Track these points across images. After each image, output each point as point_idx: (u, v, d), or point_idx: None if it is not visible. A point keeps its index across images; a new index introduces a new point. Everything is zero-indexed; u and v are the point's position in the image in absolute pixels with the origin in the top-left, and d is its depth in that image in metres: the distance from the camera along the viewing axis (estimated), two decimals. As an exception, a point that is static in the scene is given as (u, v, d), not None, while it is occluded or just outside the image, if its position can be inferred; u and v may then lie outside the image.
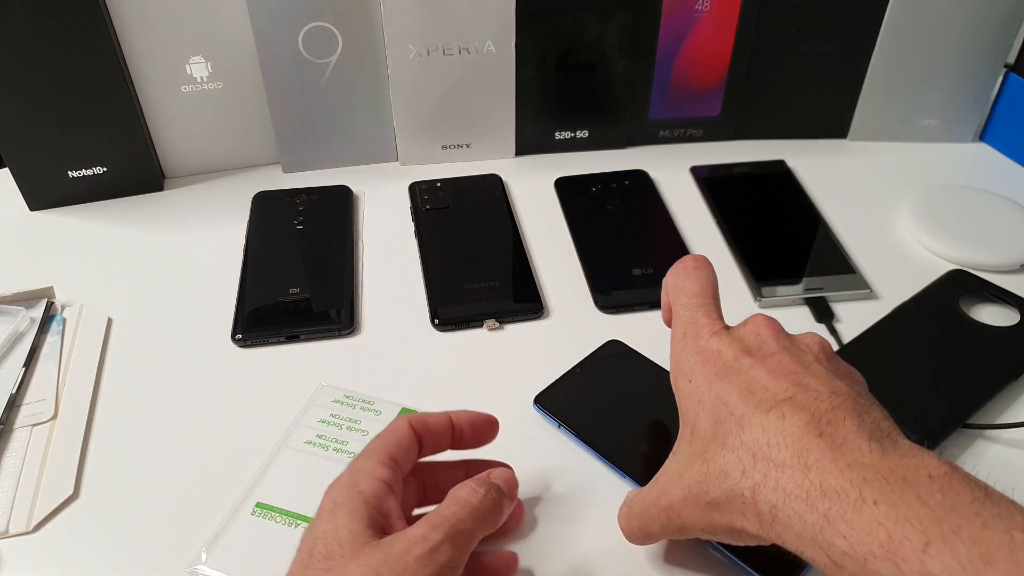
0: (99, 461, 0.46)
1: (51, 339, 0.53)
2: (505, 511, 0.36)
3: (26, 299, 0.55)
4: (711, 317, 0.37)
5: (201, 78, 0.64)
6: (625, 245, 0.61)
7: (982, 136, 0.74)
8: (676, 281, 0.39)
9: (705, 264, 0.39)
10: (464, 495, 0.34)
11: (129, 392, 0.50)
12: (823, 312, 0.55)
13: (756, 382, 0.32)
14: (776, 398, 0.31)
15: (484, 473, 0.38)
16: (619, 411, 0.47)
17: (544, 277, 0.58)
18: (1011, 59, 0.69)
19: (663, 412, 0.46)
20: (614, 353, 0.51)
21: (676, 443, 0.36)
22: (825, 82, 0.71)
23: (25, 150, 0.61)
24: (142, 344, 0.53)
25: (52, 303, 0.55)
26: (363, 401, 0.48)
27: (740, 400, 0.32)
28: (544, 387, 0.48)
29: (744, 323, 0.37)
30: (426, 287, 0.57)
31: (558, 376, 0.49)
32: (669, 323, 0.40)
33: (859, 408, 0.30)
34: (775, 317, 0.55)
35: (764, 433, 0.30)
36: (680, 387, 0.36)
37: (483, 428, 0.40)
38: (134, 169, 0.65)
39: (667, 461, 0.36)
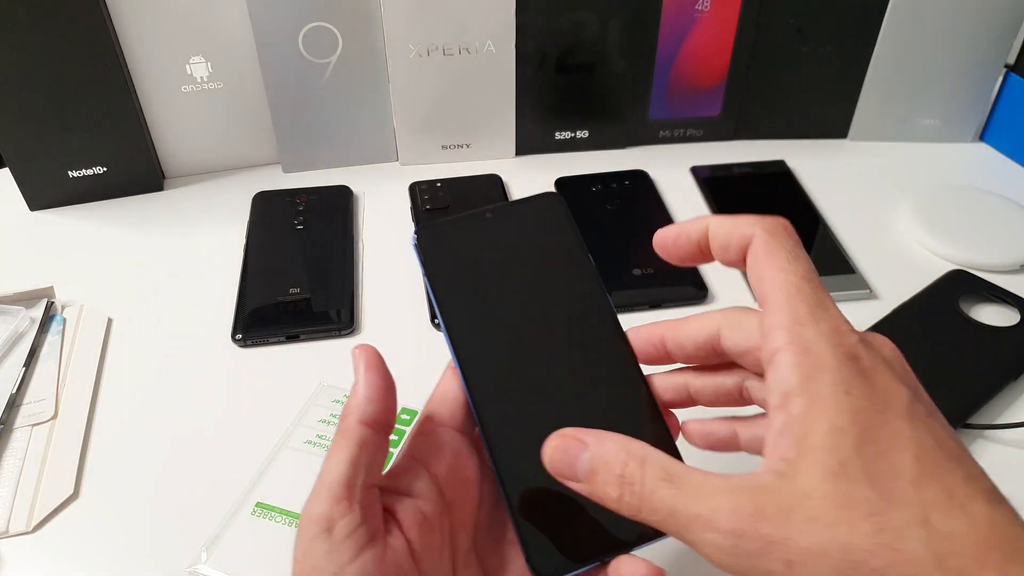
0: (99, 461, 0.46)
1: (51, 339, 0.53)
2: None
3: (26, 299, 0.55)
4: (836, 307, 0.27)
5: (201, 78, 0.64)
6: (625, 245, 0.61)
7: (982, 136, 0.74)
8: (782, 234, 0.29)
9: None
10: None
11: (129, 392, 0.50)
12: (823, 312, 0.55)
13: (942, 447, 0.24)
14: (977, 486, 0.24)
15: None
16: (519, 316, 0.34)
17: (544, 277, 0.58)
18: (1011, 59, 0.69)
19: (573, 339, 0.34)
20: (546, 212, 0.37)
21: (793, 462, 0.25)
22: (825, 82, 0.71)
23: (25, 150, 0.61)
24: (142, 344, 0.53)
25: (52, 303, 0.55)
26: (363, 401, 0.48)
27: (938, 470, 0.24)
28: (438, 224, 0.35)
29: (877, 340, 0.28)
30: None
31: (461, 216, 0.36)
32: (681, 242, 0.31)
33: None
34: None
35: (973, 528, 0.22)
36: (822, 393, 0.25)
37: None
38: (134, 169, 0.65)
39: (770, 477, 0.25)
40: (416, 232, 0.34)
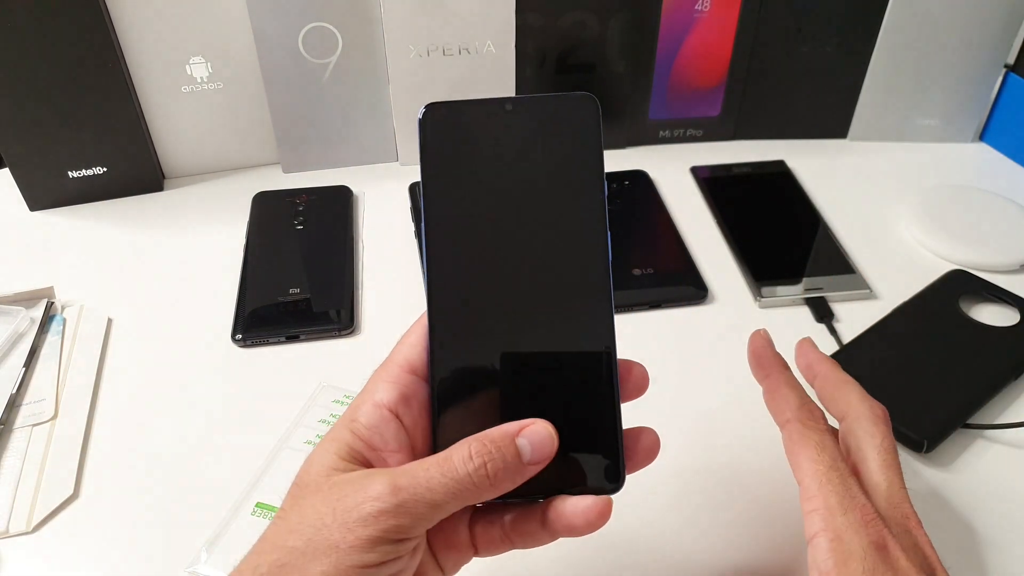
0: (99, 461, 0.46)
1: (51, 339, 0.53)
2: (505, 482, 0.29)
3: (26, 299, 0.55)
4: (862, 495, 0.33)
5: (201, 78, 0.64)
6: (625, 245, 0.61)
7: (982, 136, 0.74)
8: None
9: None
10: (454, 459, 0.29)
11: (129, 392, 0.50)
12: (823, 312, 0.55)
13: None
14: None
15: (516, 425, 0.30)
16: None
17: (544, 277, 0.58)
18: (1011, 59, 0.69)
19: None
20: (572, 115, 0.32)
21: None
22: (825, 82, 0.71)
23: (25, 150, 0.61)
24: (142, 344, 0.53)
25: (52, 303, 0.55)
26: (363, 401, 0.48)
27: None
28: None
29: (902, 520, 0.33)
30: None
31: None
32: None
33: None
34: (775, 318, 0.56)
35: None
36: None
37: None
38: (134, 169, 0.65)
39: None
40: (425, 107, 0.31)
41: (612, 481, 0.31)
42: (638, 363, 0.34)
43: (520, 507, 0.32)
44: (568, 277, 0.31)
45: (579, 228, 0.31)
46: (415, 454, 0.31)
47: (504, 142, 0.31)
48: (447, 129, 0.31)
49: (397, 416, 0.31)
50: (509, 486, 0.30)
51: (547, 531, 0.31)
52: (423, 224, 0.31)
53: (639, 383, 0.33)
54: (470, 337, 0.31)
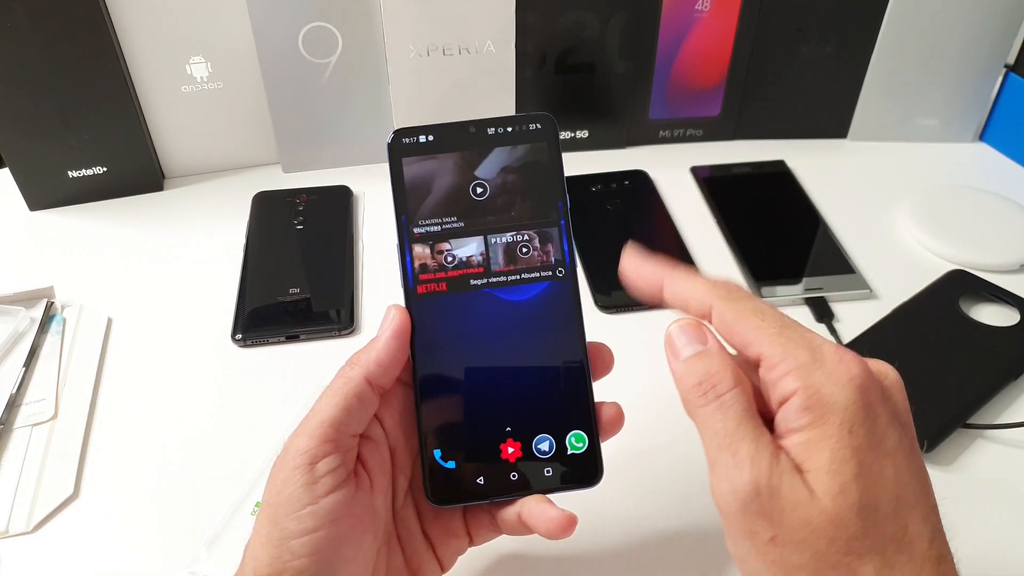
0: (99, 461, 0.46)
1: (51, 339, 0.53)
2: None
3: (26, 299, 0.55)
4: (827, 341, 0.29)
5: (201, 78, 0.64)
6: (625, 245, 0.61)
7: (982, 136, 0.74)
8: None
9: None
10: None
11: (129, 392, 0.50)
12: (823, 312, 0.55)
13: (910, 488, 0.28)
14: (927, 526, 0.28)
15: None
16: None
17: (544, 277, 0.58)
18: (1011, 59, 0.69)
19: None
20: (532, 133, 0.35)
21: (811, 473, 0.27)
22: (825, 82, 0.71)
23: (25, 150, 0.61)
24: (142, 344, 0.53)
25: (52, 303, 0.55)
26: (363, 401, 0.48)
27: (902, 509, 0.28)
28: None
29: (881, 368, 0.30)
30: (426, 287, 0.57)
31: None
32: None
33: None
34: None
35: (911, 562, 0.27)
36: (830, 430, 0.27)
37: None
38: (134, 169, 0.65)
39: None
40: (393, 133, 0.34)
41: (590, 477, 0.33)
42: (605, 344, 0.36)
43: (504, 504, 0.34)
44: (538, 280, 0.34)
45: (544, 235, 0.34)
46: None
47: (470, 161, 0.34)
48: (415, 152, 0.34)
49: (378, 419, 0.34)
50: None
51: (524, 527, 0.33)
52: (399, 243, 0.34)
53: (607, 361, 0.36)
54: (450, 353, 0.34)
